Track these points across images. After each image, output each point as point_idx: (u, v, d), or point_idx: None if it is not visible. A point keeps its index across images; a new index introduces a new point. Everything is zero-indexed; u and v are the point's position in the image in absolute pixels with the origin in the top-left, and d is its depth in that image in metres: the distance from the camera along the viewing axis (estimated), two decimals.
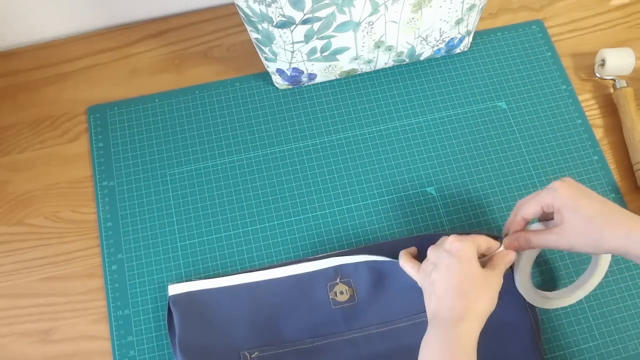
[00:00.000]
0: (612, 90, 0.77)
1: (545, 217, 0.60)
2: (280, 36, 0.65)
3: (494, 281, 0.55)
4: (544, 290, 0.65)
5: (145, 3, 0.81)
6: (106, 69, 0.79)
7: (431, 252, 0.58)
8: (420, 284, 0.59)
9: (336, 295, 0.65)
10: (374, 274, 0.65)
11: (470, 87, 0.78)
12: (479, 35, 0.81)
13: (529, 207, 0.58)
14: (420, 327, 0.61)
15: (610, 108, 0.78)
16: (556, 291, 0.65)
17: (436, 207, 0.71)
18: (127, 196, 0.71)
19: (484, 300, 0.53)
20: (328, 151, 0.74)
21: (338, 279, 0.66)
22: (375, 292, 0.65)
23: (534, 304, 0.63)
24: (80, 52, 0.80)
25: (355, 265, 0.65)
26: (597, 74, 0.78)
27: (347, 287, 0.65)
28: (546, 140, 0.75)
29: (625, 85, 0.76)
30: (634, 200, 0.72)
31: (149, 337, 0.64)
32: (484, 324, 0.53)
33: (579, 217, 0.54)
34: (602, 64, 0.77)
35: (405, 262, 0.61)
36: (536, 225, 0.60)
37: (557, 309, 0.66)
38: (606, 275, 0.68)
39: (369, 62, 0.74)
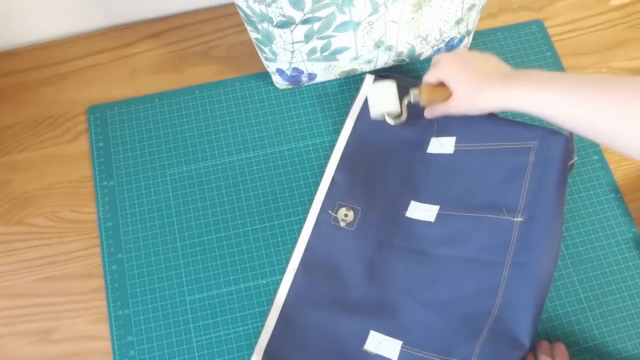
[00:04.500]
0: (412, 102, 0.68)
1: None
2: (280, 36, 0.65)
3: None
4: None
5: (145, 3, 0.81)
6: (106, 69, 0.79)
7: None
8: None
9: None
10: None
11: None
12: (479, 35, 0.81)
13: (429, 78, 0.66)
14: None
15: None
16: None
17: None
18: (127, 196, 0.71)
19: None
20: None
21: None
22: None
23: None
24: (80, 52, 0.80)
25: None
26: (395, 122, 0.68)
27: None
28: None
29: (416, 91, 0.66)
30: (634, 200, 0.72)
31: (149, 337, 0.64)
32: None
33: (462, 84, 0.62)
34: (388, 113, 0.68)
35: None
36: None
37: (557, 309, 0.66)
38: (606, 275, 0.68)
39: (369, 62, 0.74)
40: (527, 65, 0.80)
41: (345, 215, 0.68)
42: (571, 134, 0.63)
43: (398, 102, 0.68)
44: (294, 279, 0.66)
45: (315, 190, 0.71)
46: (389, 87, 0.68)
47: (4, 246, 0.69)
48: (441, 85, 0.65)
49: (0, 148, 0.74)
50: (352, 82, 0.78)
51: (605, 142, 0.54)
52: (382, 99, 0.68)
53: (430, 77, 0.65)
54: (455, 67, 0.63)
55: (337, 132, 0.75)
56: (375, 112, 0.69)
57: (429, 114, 0.69)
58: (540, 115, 0.57)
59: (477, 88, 0.60)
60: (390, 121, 0.68)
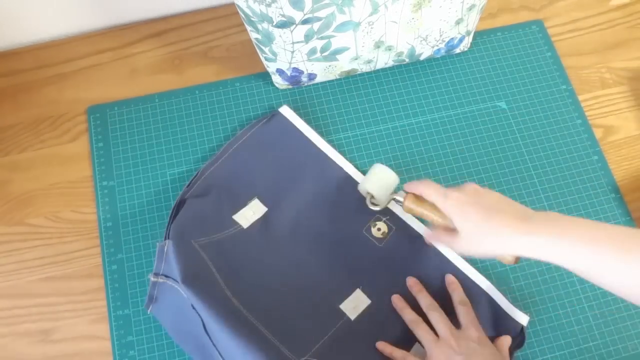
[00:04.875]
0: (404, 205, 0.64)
1: None
2: (280, 36, 0.65)
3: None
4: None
5: (145, 3, 0.81)
6: (106, 69, 0.79)
7: (452, 340, 0.58)
8: None
9: (371, 230, 0.68)
10: (410, 243, 0.68)
11: (470, 87, 0.78)
12: (479, 35, 0.81)
13: (428, 192, 0.59)
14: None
15: (611, 108, 0.78)
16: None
17: None
18: (127, 196, 0.71)
19: None
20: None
21: (383, 218, 0.69)
22: (399, 262, 0.67)
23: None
24: (80, 52, 0.80)
25: (404, 225, 0.68)
26: (372, 208, 0.68)
27: (386, 229, 0.68)
28: (546, 140, 0.75)
29: (405, 194, 0.63)
30: (634, 201, 0.72)
31: (149, 337, 0.64)
32: None
33: (468, 224, 0.55)
34: (372, 196, 0.67)
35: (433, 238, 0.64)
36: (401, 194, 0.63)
37: (557, 309, 0.66)
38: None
39: (369, 62, 0.74)
40: (527, 65, 0.80)
41: (379, 229, 0.69)
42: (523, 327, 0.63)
43: (389, 195, 0.66)
44: None
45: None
46: (392, 179, 0.66)
47: (4, 246, 0.69)
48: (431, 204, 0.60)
49: (0, 148, 0.74)
50: (352, 82, 0.78)
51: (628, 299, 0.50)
52: (379, 182, 0.66)
53: (434, 199, 0.59)
54: (463, 203, 0.56)
55: (337, 132, 0.75)
56: (365, 187, 0.67)
57: (430, 240, 0.65)
58: (554, 263, 0.51)
59: (485, 230, 0.54)
60: (369, 203, 0.67)
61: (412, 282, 0.65)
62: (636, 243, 0.48)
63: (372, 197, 0.67)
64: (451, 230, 0.58)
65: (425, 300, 0.63)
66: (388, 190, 0.66)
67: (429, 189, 0.59)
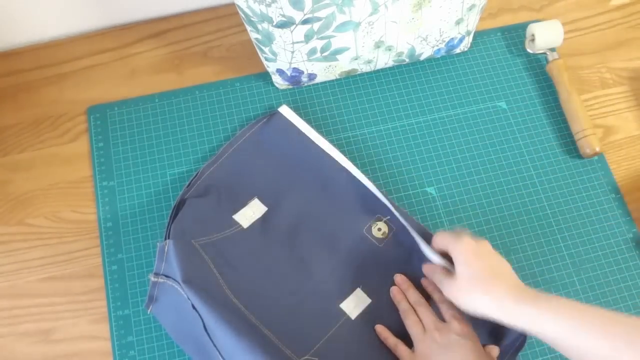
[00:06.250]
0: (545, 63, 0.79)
1: None
2: (280, 36, 0.65)
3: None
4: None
5: (145, 3, 0.81)
6: (106, 69, 0.79)
7: (435, 333, 0.59)
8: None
9: (372, 230, 0.68)
10: (408, 248, 0.67)
11: (470, 87, 0.78)
12: (479, 35, 0.81)
13: (439, 240, 0.61)
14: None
15: (611, 108, 0.78)
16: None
17: (436, 207, 0.71)
18: (127, 196, 0.71)
19: None
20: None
21: (384, 219, 0.69)
22: (398, 262, 0.67)
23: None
24: (80, 52, 0.80)
25: (403, 226, 0.67)
26: (528, 50, 0.79)
27: (386, 229, 0.68)
28: (546, 140, 0.75)
29: (557, 57, 0.77)
30: (634, 201, 0.72)
31: (149, 337, 0.64)
32: None
33: (470, 270, 0.56)
34: (533, 38, 0.78)
35: (434, 254, 0.63)
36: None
37: None
38: (606, 275, 0.68)
39: (369, 62, 0.73)
40: (527, 65, 0.80)
41: (379, 229, 0.69)
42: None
43: (547, 47, 0.78)
44: None
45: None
46: (558, 36, 0.77)
47: (4, 246, 0.69)
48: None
49: (0, 148, 0.74)
50: (352, 82, 0.78)
51: None
52: (547, 31, 0.77)
53: (440, 242, 0.61)
54: (473, 252, 0.57)
55: (337, 132, 0.75)
56: (533, 29, 0.77)
57: (425, 271, 0.64)
58: (551, 343, 0.52)
59: (482, 287, 0.55)
60: (526, 44, 0.79)
61: (400, 280, 0.66)
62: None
63: (533, 40, 0.76)
64: (447, 271, 0.60)
65: (413, 296, 0.64)
66: (548, 42, 0.76)
67: (443, 235, 0.61)
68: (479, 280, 0.55)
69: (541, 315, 0.52)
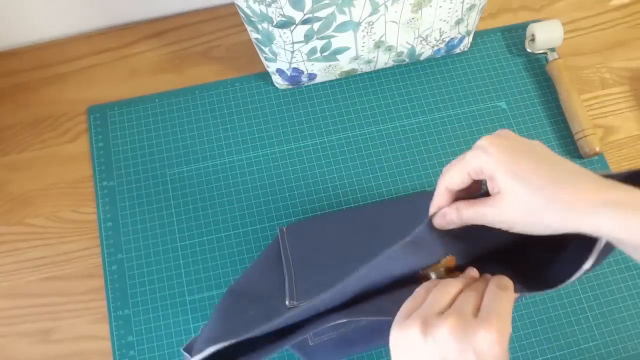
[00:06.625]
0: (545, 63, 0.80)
1: (474, 189, 0.45)
2: (280, 36, 0.65)
3: None
4: None
5: (145, 3, 0.81)
6: (106, 69, 0.79)
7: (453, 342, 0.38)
8: None
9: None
10: None
11: (470, 87, 0.78)
12: (479, 35, 0.81)
13: (453, 174, 0.43)
14: None
15: (611, 108, 0.78)
16: None
17: None
18: (127, 196, 0.71)
19: None
20: (328, 151, 0.74)
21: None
22: None
23: None
24: (80, 52, 0.80)
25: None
26: (528, 50, 0.80)
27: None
28: (546, 140, 0.75)
29: (557, 57, 0.77)
30: None
31: (149, 337, 0.64)
32: None
33: (521, 185, 0.39)
34: (532, 38, 0.78)
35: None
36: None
37: (557, 309, 0.66)
38: (606, 275, 0.68)
39: (369, 62, 0.73)
40: (527, 65, 0.80)
41: None
42: None
43: (546, 47, 0.79)
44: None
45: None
46: (558, 36, 0.78)
47: (4, 246, 0.69)
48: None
49: (0, 148, 0.74)
50: (352, 82, 0.78)
51: None
52: (547, 32, 0.78)
53: (464, 166, 0.42)
54: (513, 155, 0.40)
55: (337, 132, 0.75)
56: (534, 29, 0.78)
57: (443, 218, 0.44)
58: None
59: (549, 196, 0.38)
60: (526, 44, 0.80)
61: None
62: None
63: (533, 39, 0.77)
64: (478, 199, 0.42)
65: (473, 271, 0.45)
66: (548, 42, 0.77)
67: (447, 169, 0.43)
68: (542, 191, 0.38)
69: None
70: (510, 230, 0.41)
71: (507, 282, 0.42)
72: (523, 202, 0.39)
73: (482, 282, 0.42)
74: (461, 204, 0.43)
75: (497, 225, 0.41)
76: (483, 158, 0.40)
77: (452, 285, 0.42)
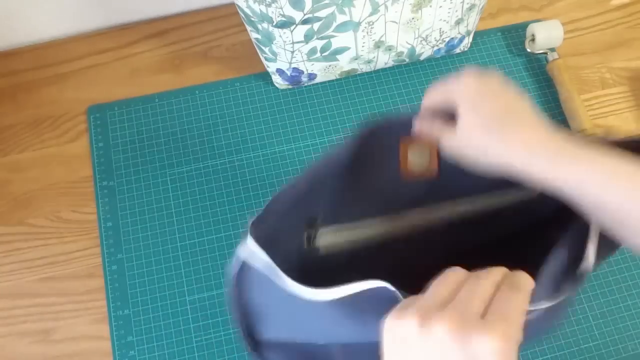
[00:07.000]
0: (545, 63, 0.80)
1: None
2: (280, 36, 0.65)
3: None
4: None
5: (145, 3, 0.81)
6: (106, 69, 0.79)
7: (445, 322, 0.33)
8: None
9: None
10: None
11: None
12: (479, 35, 0.81)
13: (432, 94, 0.46)
14: None
15: (611, 108, 0.78)
16: None
17: None
18: (127, 196, 0.71)
19: None
20: (328, 151, 0.74)
21: None
22: None
23: None
24: (80, 52, 0.80)
25: None
26: (528, 50, 0.80)
27: None
28: None
29: (557, 57, 0.78)
30: None
31: (149, 337, 0.64)
32: None
33: (475, 116, 0.43)
34: (533, 39, 0.79)
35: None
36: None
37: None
38: (606, 275, 0.68)
39: (369, 62, 0.74)
40: (527, 65, 0.80)
41: None
42: None
43: (546, 47, 0.78)
44: None
45: None
46: (558, 36, 0.78)
47: (4, 246, 0.69)
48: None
49: (0, 148, 0.74)
50: (352, 82, 0.78)
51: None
52: (547, 32, 0.78)
53: (431, 98, 0.47)
54: (478, 91, 0.44)
55: (337, 132, 0.75)
56: (534, 29, 0.78)
57: (420, 128, 0.48)
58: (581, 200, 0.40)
59: (494, 131, 0.42)
60: (526, 44, 0.79)
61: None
62: None
63: (533, 39, 0.78)
64: (450, 121, 0.46)
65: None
66: (548, 42, 0.77)
67: (433, 87, 0.47)
68: (490, 126, 0.42)
69: (581, 169, 0.39)
70: (461, 162, 0.45)
71: (521, 280, 0.35)
72: (471, 132, 0.43)
73: (505, 276, 0.36)
74: (437, 124, 0.47)
75: (450, 151, 0.46)
76: (456, 86, 0.45)
77: (483, 283, 0.35)
